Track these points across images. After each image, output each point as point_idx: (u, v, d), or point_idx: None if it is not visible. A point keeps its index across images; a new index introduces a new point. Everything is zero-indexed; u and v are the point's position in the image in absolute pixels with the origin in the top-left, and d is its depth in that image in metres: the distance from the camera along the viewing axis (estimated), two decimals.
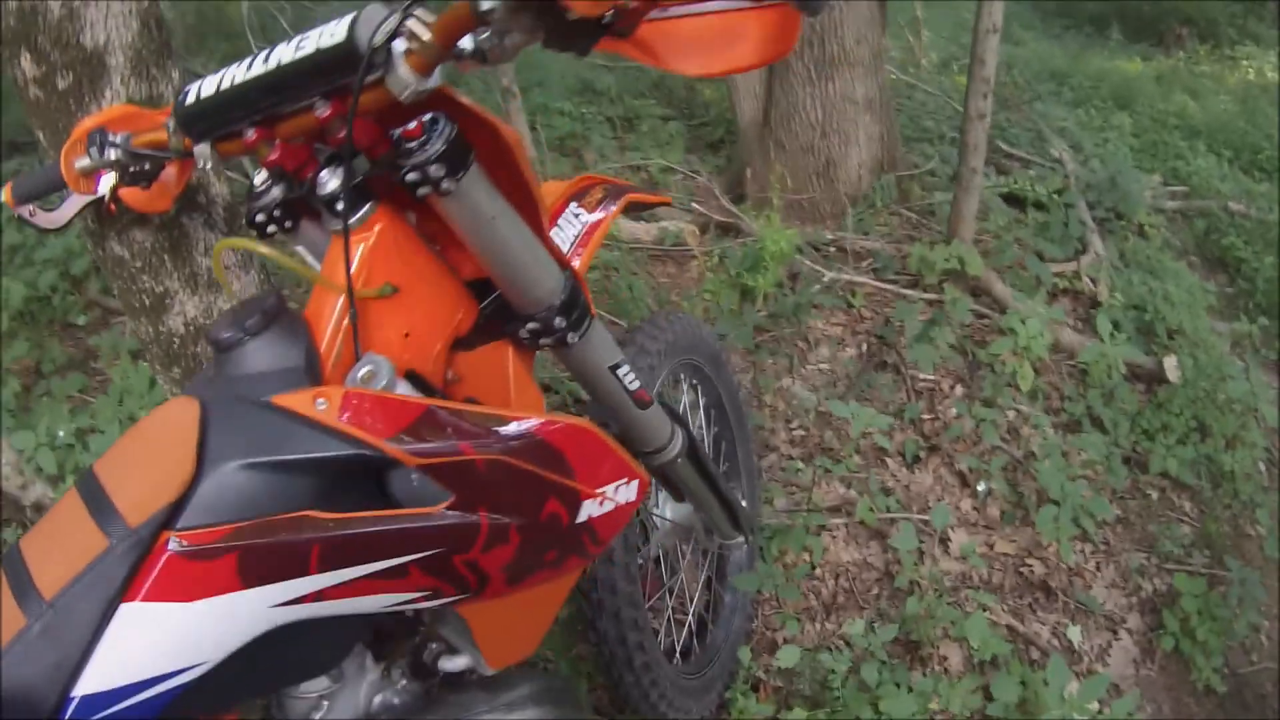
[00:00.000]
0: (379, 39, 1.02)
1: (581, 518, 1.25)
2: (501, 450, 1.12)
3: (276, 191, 1.22)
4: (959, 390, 3.21)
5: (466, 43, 1.01)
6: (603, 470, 1.28)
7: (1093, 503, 2.84)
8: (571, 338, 1.37)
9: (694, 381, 2.32)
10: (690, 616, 2.26)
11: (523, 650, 1.43)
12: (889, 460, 2.96)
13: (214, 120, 1.17)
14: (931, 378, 3.23)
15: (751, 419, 2.95)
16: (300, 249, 1.30)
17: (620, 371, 1.54)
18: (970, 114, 3.55)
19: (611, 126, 5.18)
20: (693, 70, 1.10)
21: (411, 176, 1.11)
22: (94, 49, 1.71)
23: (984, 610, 2.57)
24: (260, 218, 1.23)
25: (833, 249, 3.86)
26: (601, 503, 1.28)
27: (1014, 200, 4.38)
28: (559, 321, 1.34)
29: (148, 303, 1.91)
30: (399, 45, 1.03)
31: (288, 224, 1.25)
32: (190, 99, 1.17)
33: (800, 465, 2.88)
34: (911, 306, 3.37)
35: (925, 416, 3.10)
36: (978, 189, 3.63)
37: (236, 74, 1.13)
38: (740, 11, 1.06)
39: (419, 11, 1.02)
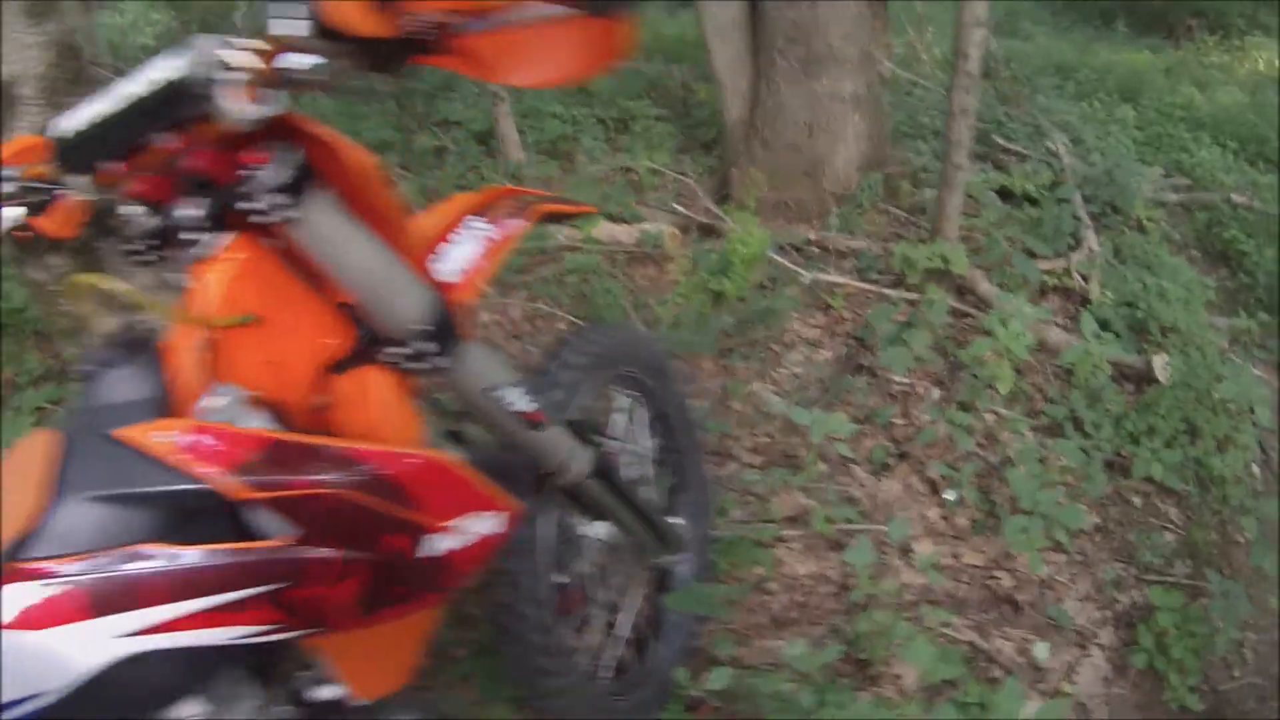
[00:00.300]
0: (205, 72, 0.99)
1: (429, 552, 1.19)
2: (339, 484, 1.09)
3: (143, 221, 1.17)
4: (936, 393, 3.05)
5: (296, 70, 1.00)
6: (454, 504, 1.23)
7: (1066, 512, 2.66)
8: (440, 362, 1.30)
9: (633, 394, 2.19)
10: (626, 635, 2.12)
11: (393, 681, 1.36)
12: (855, 468, 2.80)
13: (82, 153, 1.13)
14: (908, 381, 3.06)
15: (715, 427, 2.82)
16: (173, 278, 1.23)
17: (504, 394, 1.48)
18: (954, 109, 3.38)
19: (604, 128, 5.05)
20: (520, 82, 1.11)
21: (248, 205, 1.09)
22: (5, 81, 1.73)
23: (944, 626, 2.43)
24: (129, 248, 1.19)
25: (815, 249, 3.71)
26: (453, 536, 1.21)
27: (1009, 196, 4.20)
28: (425, 346, 1.27)
29: (67, 325, 1.92)
30: (229, 75, 0.99)
31: (160, 253, 1.19)
32: (58, 133, 1.13)
33: (758, 475, 2.73)
34: (885, 308, 3.21)
35: (898, 421, 2.94)
36: (961, 186, 3.47)
37: (94, 107, 1.09)
38: (561, 22, 1.04)
39: (250, 41, 1.02)
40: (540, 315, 3.50)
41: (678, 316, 3.28)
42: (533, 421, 1.54)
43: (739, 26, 4.15)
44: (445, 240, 1.53)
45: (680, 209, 4.06)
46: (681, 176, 4.43)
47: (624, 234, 3.84)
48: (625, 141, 4.91)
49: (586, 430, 1.78)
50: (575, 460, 1.70)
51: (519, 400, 1.51)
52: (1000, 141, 4.77)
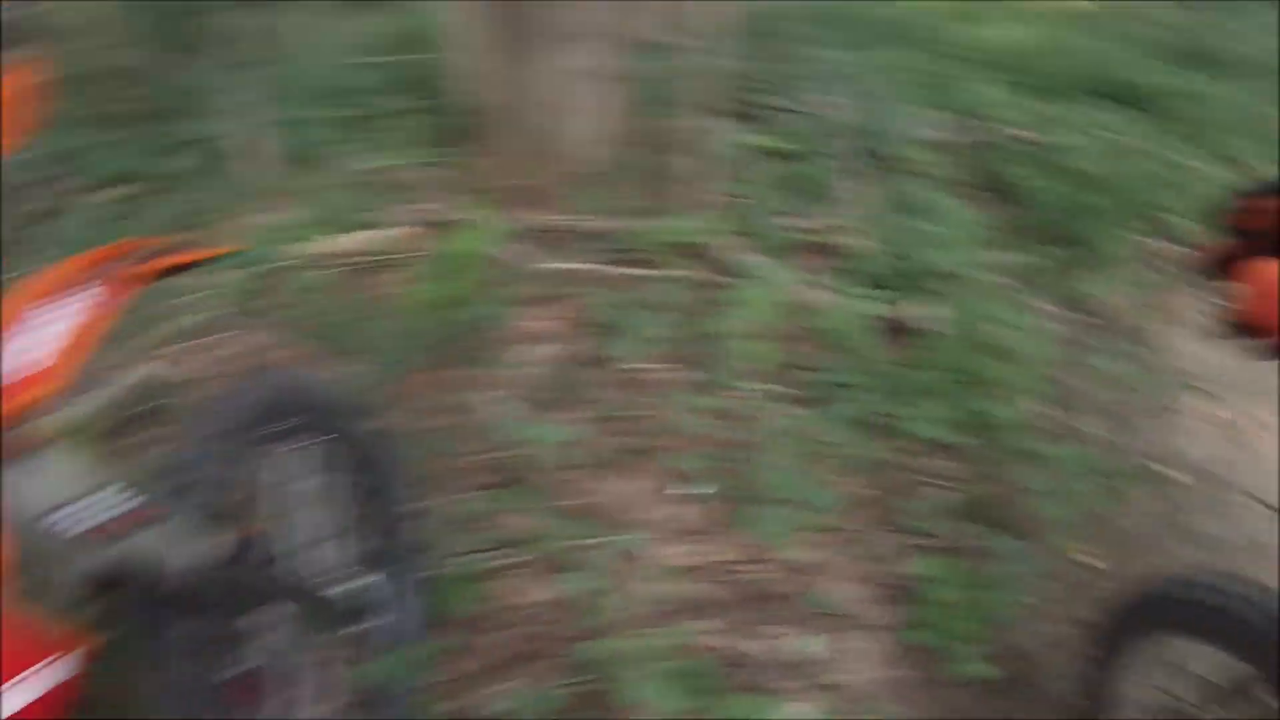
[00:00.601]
0: None
1: None
2: None
3: None
4: (685, 377, 2.84)
5: None
6: None
7: (824, 493, 2.51)
8: None
9: (310, 445, 2.00)
10: (333, 712, 1.90)
11: None
12: (593, 474, 2.58)
13: None
14: (654, 367, 2.86)
15: (432, 452, 2.58)
16: None
17: (75, 510, 1.29)
18: (697, 70, 3.22)
19: (359, 128, 4.76)
20: None
21: None
22: None
23: (698, 635, 2.26)
24: None
25: (559, 234, 3.49)
26: None
27: (775, 155, 4.03)
28: None
29: None
30: None
31: None
32: None
33: (483, 497, 2.51)
34: (626, 290, 3.01)
35: (642, 414, 2.73)
36: (709, 150, 3.31)
37: None
38: None
39: None
40: (282, 346, 3.23)
41: (399, 329, 3.03)
42: (128, 525, 1.37)
43: (482, 7, 3.93)
44: (7, 331, 1.30)
45: (426, 207, 3.82)
46: (433, 173, 4.18)
47: (364, 242, 3.59)
48: (380, 140, 4.64)
49: (227, 511, 1.66)
50: (195, 553, 1.53)
51: (104, 508, 1.33)
52: (765, 100, 4.61)
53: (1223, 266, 1.59)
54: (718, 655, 2.27)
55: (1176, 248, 4.22)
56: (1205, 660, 1.98)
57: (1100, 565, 2.83)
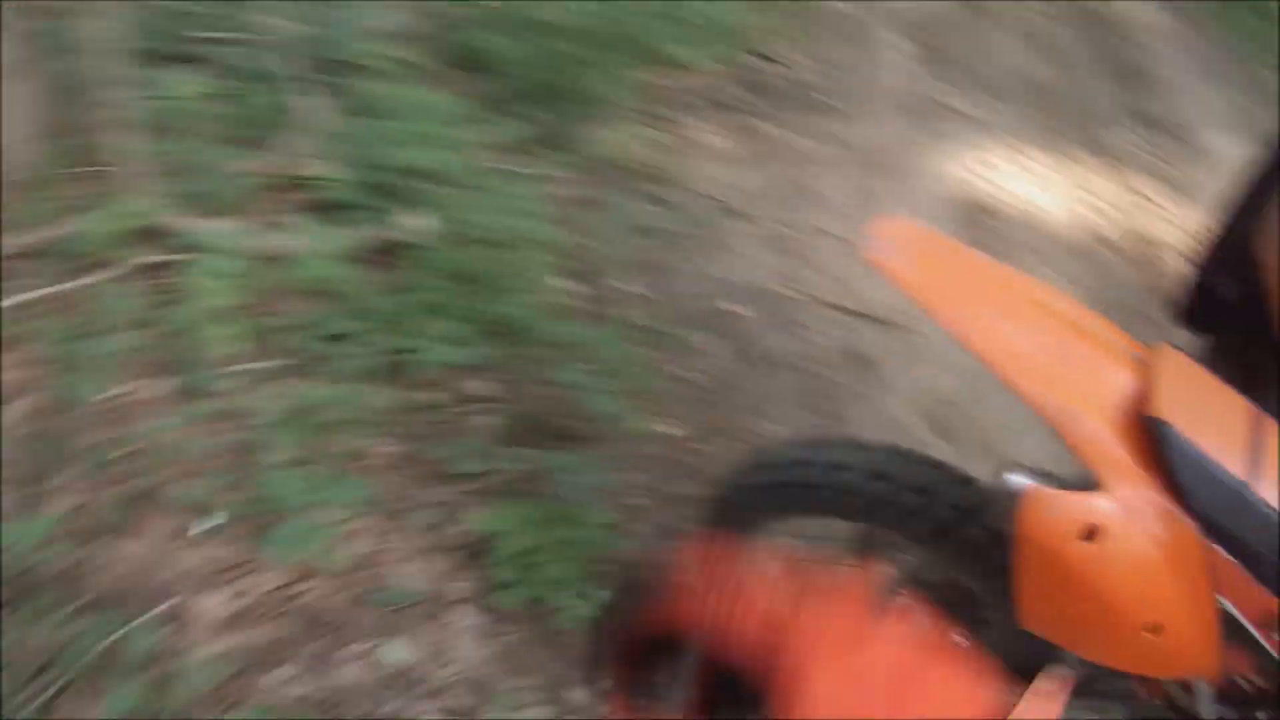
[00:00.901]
0: None
1: None
2: None
3: None
4: (165, 389, 2.42)
5: None
6: None
7: (352, 470, 2.21)
8: None
9: None
10: None
11: None
12: (101, 545, 2.14)
13: None
14: (131, 389, 2.41)
15: None
16: None
17: None
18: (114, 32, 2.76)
19: None
20: None
21: None
22: None
23: (277, 689, 1.99)
24: None
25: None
26: None
27: (216, 96, 3.57)
28: None
29: None
30: None
31: None
32: None
33: None
34: (79, 308, 2.53)
35: (130, 451, 2.28)
36: (141, 115, 2.87)
37: None
38: None
39: None
40: None
41: None
42: None
43: None
44: None
45: None
46: None
47: None
48: None
49: None
50: None
51: None
52: (200, 36, 4.11)
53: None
54: (307, 702, 2.01)
55: (679, 79, 4.17)
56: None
57: (682, 433, 2.73)
